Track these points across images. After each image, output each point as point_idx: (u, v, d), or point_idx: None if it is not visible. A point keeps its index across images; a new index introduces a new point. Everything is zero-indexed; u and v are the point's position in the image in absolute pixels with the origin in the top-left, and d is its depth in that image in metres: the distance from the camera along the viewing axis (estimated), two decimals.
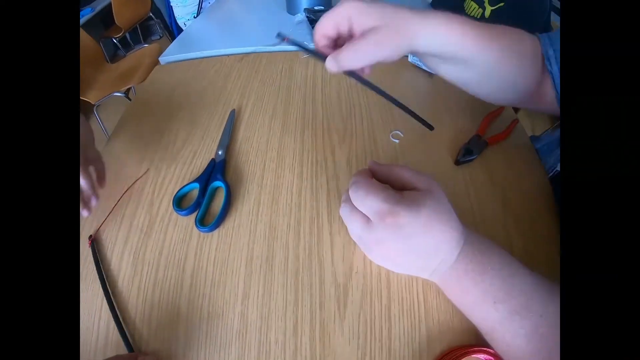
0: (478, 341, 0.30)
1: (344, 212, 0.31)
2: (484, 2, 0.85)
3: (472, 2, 0.89)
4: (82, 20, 2.09)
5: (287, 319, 0.32)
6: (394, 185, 0.31)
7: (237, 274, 0.36)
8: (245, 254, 0.37)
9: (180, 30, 1.41)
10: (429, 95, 0.58)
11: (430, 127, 0.38)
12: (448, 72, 0.37)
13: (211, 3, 1.27)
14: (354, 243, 0.37)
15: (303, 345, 0.31)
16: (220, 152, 0.47)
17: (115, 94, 1.42)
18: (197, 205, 0.41)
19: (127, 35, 2.33)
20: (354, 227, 0.30)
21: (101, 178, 0.43)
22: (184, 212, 0.41)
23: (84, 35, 1.52)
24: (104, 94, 1.42)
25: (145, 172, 0.47)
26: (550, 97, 0.38)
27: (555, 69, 0.36)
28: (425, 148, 0.47)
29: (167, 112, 0.56)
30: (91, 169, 0.42)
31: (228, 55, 0.71)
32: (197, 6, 1.30)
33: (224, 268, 0.36)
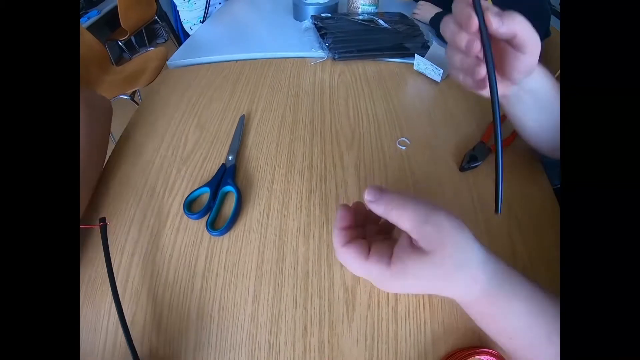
0: (482, 343, 0.31)
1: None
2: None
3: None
4: (88, 23, 2.12)
5: (296, 320, 0.33)
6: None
7: (248, 277, 0.36)
8: (255, 258, 0.38)
9: (186, 34, 1.42)
10: (435, 102, 0.59)
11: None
12: (530, 117, 0.39)
13: (218, 8, 1.29)
14: None
15: (312, 346, 0.32)
16: (230, 157, 0.48)
17: (121, 96, 1.44)
18: (208, 209, 0.42)
19: (133, 38, 2.35)
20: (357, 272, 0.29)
21: None
22: (194, 216, 0.42)
23: (90, 37, 1.53)
24: (109, 97, 1.43)
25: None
26: None
27: None
28: (431, 155, 0.48)
29: (176, 116, 0.58)
30: None
31: (236, 60, 0.72)
32: (204, 11, 1.31)
33: (234, 271, 0.37)
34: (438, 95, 0.62)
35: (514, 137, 0.48)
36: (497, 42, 0.30)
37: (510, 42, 0.29)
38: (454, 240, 0.25)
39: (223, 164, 0.47)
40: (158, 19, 2.25)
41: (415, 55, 0.67)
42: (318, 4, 0.88)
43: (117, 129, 0.58)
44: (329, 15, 0.79)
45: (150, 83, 1.44)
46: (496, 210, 0.27)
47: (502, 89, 0.32)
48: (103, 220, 0.38)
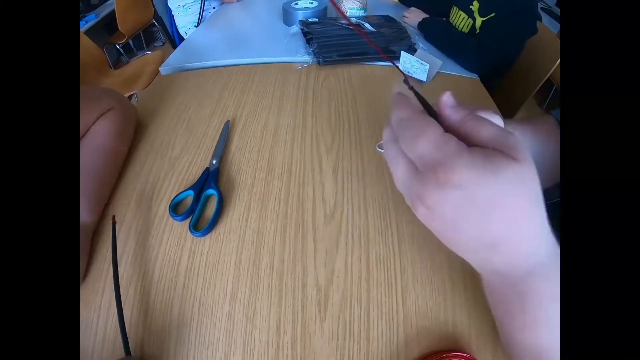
0: (457, 346, 0.32)
1: (388, 154, 0.23)
2: (474, 13, 0.87)
3: (461, 12, 0.91)
4: (86, 27, 2.14)
5: (270, 319, 0.35)
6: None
7: (226, 276, 0.38)
8: (234, 258, 0.39)
9: (181, 38, 1.44)
10: (419, 104, 0.60)
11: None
12: None
13: (212, 13, 1.31)
14: (336, 248, 0.39)
15: (285, 344, 0.33)
16: (214, 162, 0.50)
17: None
18: (191, 211, 0.44)
19: (130, 41, 2.38)
20: (399, 174, 0.22)
21: None
22: (179, 218, 0.44)
23: (87, 41, 1.55)
24: None
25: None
26: None
27: None
28: None
29: (166, 121, 0.59)
30: None
31: (225, 66, 0.74)
32: (198, 15, 1.33)
33: (214, 270, 0.39)
34: (423, 95, 0.63)
35: None
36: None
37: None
38: (534, 167, 0.20)
39: (207, 168, 0.49)
40: (155, 22, 2.28)
41: (402, 52, 0.68)
42: (307, 9, 0.90)
43: None
44: (317, 20, 0.80)
45: (147, 87, 1.47)
46: None
47: None
48: (113, 218, 0.41)
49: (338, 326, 0.34)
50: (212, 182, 0.46)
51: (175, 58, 0.80)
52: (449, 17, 0.97)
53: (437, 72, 0.74)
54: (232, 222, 0.43)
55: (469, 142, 0.20)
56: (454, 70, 0.77)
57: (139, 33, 2.35)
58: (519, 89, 1.05)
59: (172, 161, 0.52)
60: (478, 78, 0.76)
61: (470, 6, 0.87)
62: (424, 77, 0.66)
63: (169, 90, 0.68)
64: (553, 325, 0.22)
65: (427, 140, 0.20)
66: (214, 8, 1.34)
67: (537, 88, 1.00)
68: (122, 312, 0.34)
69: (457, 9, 0.92)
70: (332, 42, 0.70)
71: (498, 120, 0.24)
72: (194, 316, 0.35)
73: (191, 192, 0.46)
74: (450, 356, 0.31)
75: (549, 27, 0.97)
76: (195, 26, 1.36)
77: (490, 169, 0.19)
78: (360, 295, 0.36)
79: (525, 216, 0.20)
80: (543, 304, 0.23)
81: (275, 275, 0.37)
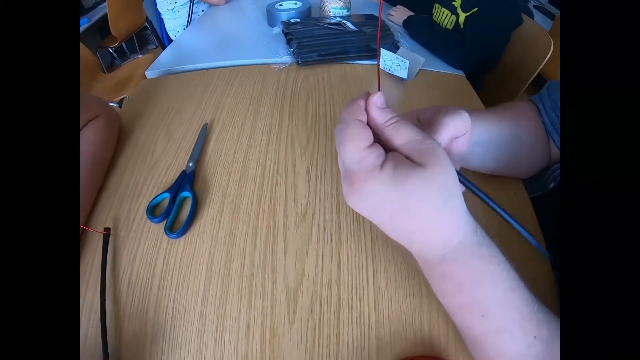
0: (432, 352, 0.32)
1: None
2: (457, 9, 0.87)
3: (443, 9, 0.91)
4: None
5: (240, 320, 0.35)
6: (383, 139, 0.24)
7: (199, 277, 0.38)
8: (206, 259, 0.40)
9: (171, 41, 1.44)
10: (400, 102, 0.61)
11: (549, 256, 0.33)
12: (487, 158, 0.41)
13: (200, 15, 1.31)
14: (306, 250, 0.40)
15: (254, 346, 0.33)
16: (190, 164, 0.50)
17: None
18: (167, 213, 0.45)
19: (124, 44, 2.38)
20: (339, 165, 0.25)
21: None
22: (156, 220, 0.44)
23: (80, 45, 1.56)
24: None
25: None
26: (554, 153, 0.43)
27: (546, 119, 0.41)
28: None
29: (148, 125, 0.60)
30: None
31: (207, 69, 0.74)
32: (187, 18, 1.34)
33: (187, 272, 0.39)
34: (403, 95, 0.64)
35: None
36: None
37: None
38: (447, 168, 0.22)
39: (183, 171, 0.49)
40: (148, 25, 2.28)
41: (382, 49, 0.68)
42: (291, 9, 0.90)
43: None
44: (298, 20, 0.80)
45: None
46: None
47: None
48: (108, 230, 0.42)
49: (307, 329, 0.34)
50: (188, 185, 0.47)
51: (162, 61, 0.81)
52: (432, 14, 0.97)
53: (421, 69, 0.74)
54: (205, 224, 0.43)
55: (389, 144, 0.24)
56: (439, 67, 0.77)
57: (132, 36, 2.35)
58: (508, 85, 1.05)
59: (152, 165, 0.52)
60: (463, 75, 0.76)
61: (453, 2, 0.87)
62: (404, 75, 0.66)
63: (153, 94, 0.68)
64: (477, 309, 0.25)
65: (349, 151, 0.22)
66: (202, 11, 1.34)
67: (528, 84, 1.00)
68: (105, 322, 0.35)
69: (440, 6, 0.92)
70: (312, 42, 0.70)
71: (463, 115, 0.28)
72: (168, 316, 0.36)
73: (167, 195, 0.47)
74: None
75: (540, 24, 0.97)
76: (184, 29, 1.36)
77: (397, 179, 0.21)
78: (330, 298, 0.35)
79: (433, 214, 0.22)
80: (463, 287, 0.25)
81: (245, 277, 0.38)
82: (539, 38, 0.93)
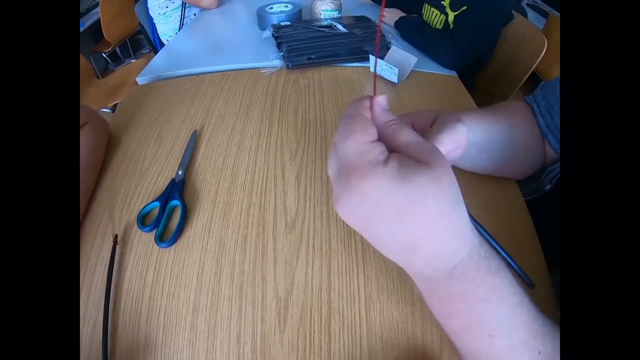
0: (426, 359, 0.31)
1: (330, 151, 0.24)
2: (446, 8, 0.87)
3: (432, 9, 0.90)
4: None
5: (231, 330, 0.35)
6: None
7: (189, 286, 0.38)
8: (196, 269, 0.40)
9: (163, 46, 1.44)
10: (393, 102, 0.61)
11: (530, 284, 0.33)
12: (482, 159, 0.40)
13: (192, 19, 1.31)
14: (296, 258, 0.39)
15: (245, 355, 0.33)
16: (180, 172, 0.50)
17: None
18: (157, 222, 0.44)
19: (118, 49, 2.37)
20: (328, 169, 0.23)
21: None
22: (146, 229, 0.44)
23: None
24: None
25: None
26: (549, 155, 0.42)
27: (540, 120, 0.41)
28: None
29: (138, 132, 0.59)
30: None
31: (197, 74, 0.74)
32: (179, 23, 1.33)
33: (178, 281, 0.39)
34: (394, 98, 0.64)
35: None
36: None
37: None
38: (450, 171, 0.21)
39: (173, 179, 0.49)
40: (142, 29, 2.27)
41: (370, 56, 0.68)
42: (282, 12, 0.90)
43: None
44: (288, 23, 0.80)
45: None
46: None
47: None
48: (115, 238, 0.42)
49: (298, 338, 0.34)
50: (177, 193, 0.47)
51: (153, 67, 0.80)
52: (422, 14, 0.97)
53: (413, 70, 0.74)
54: (195, 233, 0.43)
55: (390, 144, 0.22)
56: (431, 68, 0.77)
57: (126, 41, 2.34)
58: (501, 85, 1.05)
59: (142, 173, 0.52)
60: (456, 75, 0.76)
61: (442, 2, 0.87)
62: (394, 79, 0.66)
63: (144, 100, 0.68)
64: (485, 329, 0.23)
65: (353, 143, 0.21)
66: (194, 15, 1.34)
67: (522, 82, 1.00)
68: (106, 332, 0.35)
69: (429, 6, 0.92)
70: (302, 45, 0.70)
71: (459, 129, 0.28)
72: (159, 326, 0.36)
73: (157, 204, 0.46)
74: None
75: (534, 22, 0.97)
76: (176, 33, 1.36)
77: (403, 176, 0.19)
78: (320, 307, 0.35)
79: (441, 218, 0.20)
80: (472, 306, 0.23)
81: (235, 286, 0.38)
82: (532, 36, 0.93)
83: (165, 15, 1.33)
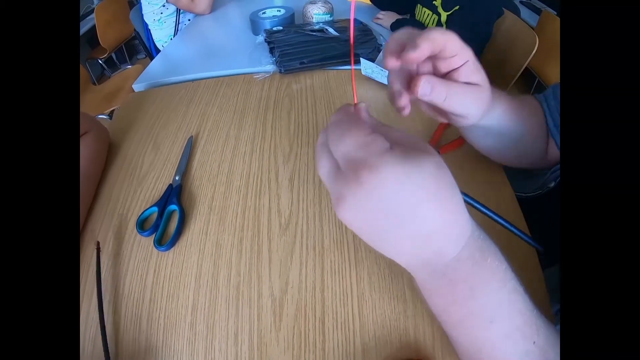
0: (419, 355, 0.32)
1: (317, 155, 0.23)
2: (437, 8, 0.89)
3: (425, 9, 0.92)
4: None
5: (229, 329, 0.36)
6: None
7: (188, 288, 0.40)
8: (194, 271, 0.41)
9: (159, 52, 1.45)
10: (382, 106, 0.62)
11: (539, 248, 0.34)
12: (483, 141, 0.41)
13: (187, 25, 1.32)
14: (290, 258, 0.41)
15: (243, 353, 0.34)
16: (177, 178, 0.51)
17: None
18: (155, 227, 0.46)
19: (113, 55, 2.38)
20: (322, 170, 0.22)
21: None
22: (145, 233, 0.45)
23: None
24: None
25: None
26: (551, 153, 0.43)
27: (550, 119, 0.41)
28: None
29: (135, 139, 0.61)
30: None
31: (192, 80, 0.75)
32: (174, 28, 1.35)
33: (177, 283, 0.40)
34: (386, 100, 0.65)
35: (464, 140, 0.50)
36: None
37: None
38: (444, 169, 0.21)
39: (170, 184, 0.51)
40: (137, 35, 2.28)
41: (361, 59, 0.70)
42: (275, 17, 0.91)
43: None
44: (280, 28, 0.82)
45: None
46: None
47: (461, 121, 0.33)
48: (97, 244, 0.43)
49: (293, 336, 0.35)
50: (174, 198, 0.48)
51: (149, 73, 0.81)
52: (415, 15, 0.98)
53: None
54: (193, 236, 0.44)
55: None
56: None
57: (121, 46, 2.35)
58: (495, 82, 1.06)
59: (141, 178, 0.54)
60: None
61: (434, 2, 0.89)
62: (385, 81, 0.67)
63: (140, 107, 0.69)
64: (486, 315, 0.22)
65: (352, 139, 0.20)
66: (189, 20, 1.35)
67: (514, 80, 1.01)
68: (105, 336, 0.35)
69: (421, 7, 0.93)
70: (293, 50, 0.72)
71: (449, 35, 0.27)
72: (160, 327, 0.37)
73: (155, 209, 0.48)
74: None
75: (527, 20, 0.99)
76: (171, 39, 1.37)
77: (412, 162, 0.19)
78: (314, 305, 0.36)
79: (450, 202, 0.20)
80: (475, 291, 0.22)
81: (232, 287, 0.39)
82: (524, 35, 0.95)
83: (160, 21, 1.34)
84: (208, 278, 0.40)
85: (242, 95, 0.67)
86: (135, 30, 1.49)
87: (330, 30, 0.79)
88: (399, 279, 0.38)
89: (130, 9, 1.47)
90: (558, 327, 0.24)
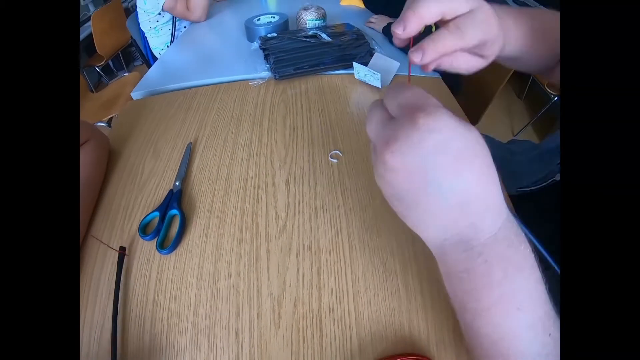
0: (414, 350, 0.33)
1: (369, 110, 0.23)
2: None
3: None
4: None
5: (230, 327, 0.38)
6: None
7: (190, 289, 0.41)
8: (196, 272, 0.43)
9: (156, 59, 1.47)
10: None
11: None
12: (525, 68, 0.39)
13: (182, 32, 1.34)
14: (288, 258, 0.43)
15: (244, 350, 0.36)
16: (177, 183, 0.53)
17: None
18: (157, 231, 0.48)
19: (110, 62, 2.40)
20: (372, 122, 0.22)
21: None
22: (148, 237, 0.47)
23: None
24: None
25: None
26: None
27: None
28: (366, 168, 0.52)
29: (135, 146, 0.63)
30: None
31: (190, 87, 0.77)
32: (170, 36, 1.37)
33: (179, 284, 0.42)
34: None
35: None
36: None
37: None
38: (485, 144, 0.21)
39: (171, 190, 0.52)
40: (134, 42, 2.30)
41: (354, 63, 0.72)
42: (269, 23, 0.93)
43: None
44: (275, 35, 0.84)
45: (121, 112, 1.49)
46: None
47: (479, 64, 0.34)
48: (123, 249, 0.45)
49: (292, 333, 0.36)
50: (175, 203, 0.50)
51: (147, 81, 0.83)
52: None
53: (396, 74, 0.77)
54: (193, 239, 0.46)
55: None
56: (415, 71, 0.80)
57: (118, 54, 2.37)
58: (488, 81, 1.08)
59: (142, 185, 0.55)
60: (439, 77, 0.79)
61: None
62: (378, 84, 0.69)
63: (140, 115, 0.71)
64: (515, 301, 0.22)
65: (411, 91, 0.21)
66: (185, 27, 1.37)
67: (508, 77, 1.02)
68: (115, 339, 0.37)
69: None
70: (288, 56, 0.74)
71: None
72: (163, 327, 0.39)
73: (157, 214, 0.50)
74: (405, 359, 0.32)
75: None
76: (168, 46, 1.39)
77: (464, 123, 0.19)
78: (312, 303, 0.38)
79: (490, 173, 0.20)
80: (508, 274, 0.21)
81: (232, 287, 0.41)
82: None
83: (157, 29, 1.36)
84: (209, 279, 0.42)
85: (238, 102, 0.69)
86: (131, 37, 1.50)
87: (323, 35, 0.81)
88: (392, 277, 0.39)
89: (127, 16, 1.49)
90: None
